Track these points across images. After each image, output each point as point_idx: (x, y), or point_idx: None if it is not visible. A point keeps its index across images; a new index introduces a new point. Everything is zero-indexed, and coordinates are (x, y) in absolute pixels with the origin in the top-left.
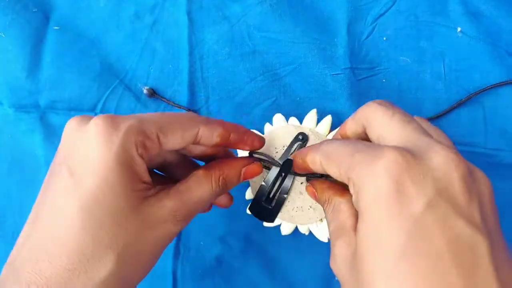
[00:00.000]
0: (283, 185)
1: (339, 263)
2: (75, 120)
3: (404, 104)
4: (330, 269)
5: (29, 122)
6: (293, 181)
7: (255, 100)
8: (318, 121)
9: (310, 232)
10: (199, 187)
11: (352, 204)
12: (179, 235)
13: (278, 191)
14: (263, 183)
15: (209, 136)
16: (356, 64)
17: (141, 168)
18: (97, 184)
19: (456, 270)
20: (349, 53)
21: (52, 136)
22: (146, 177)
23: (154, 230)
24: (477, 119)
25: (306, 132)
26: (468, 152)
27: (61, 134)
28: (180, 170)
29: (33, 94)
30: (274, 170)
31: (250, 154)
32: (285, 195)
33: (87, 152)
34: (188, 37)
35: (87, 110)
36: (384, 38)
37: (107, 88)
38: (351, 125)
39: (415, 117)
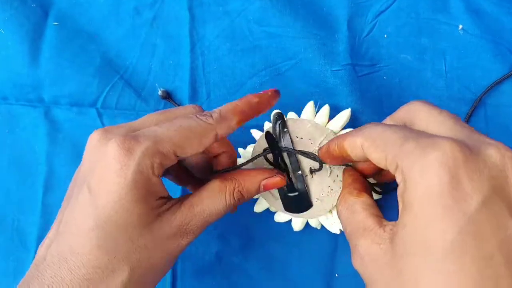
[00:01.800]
0: (290, 163)
1: (367, 262)
2: (97, 135)
3: (405, 102)
4: (331, 265)
5: (33, 116)
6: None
7: None
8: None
9: (309, 227)
10: (212, 200)
11: (372, 203)
12: None
13: (290, 172)
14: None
15: (228, 130)
16: (357, 61)
17: (158, 186)
18: (112, 204)
19: (507, 271)
20: (349, 50)
21: (55, 131)
22: (162, 192)
23: (165, 244)
24: (478, 116)
25: (305, 124)
26: None
27: (63, 129)
28: (201, 164)
29: (36, 89)
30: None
31: (270, 148)
32: (299, 172)
33: (104, 174)
34: (189, 32)
35: (88, 105)
36: (385, 35)
37: (107, 84)
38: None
39: (419, 102)
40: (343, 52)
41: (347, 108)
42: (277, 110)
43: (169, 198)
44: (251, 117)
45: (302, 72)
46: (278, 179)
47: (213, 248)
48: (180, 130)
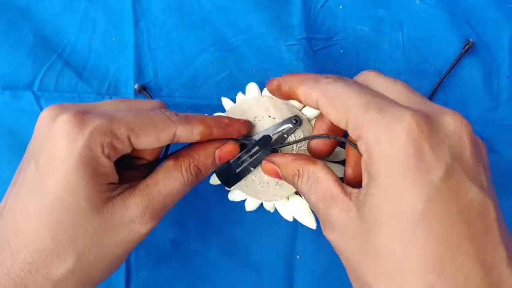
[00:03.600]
0: (256, 158)
1: (339, 231)
2: (48, 112)
3: None
4: (291, 247)
5: None
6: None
7: (207, 73)
8: None
9: (269, 211)
10: (168, 179)
11: (330, 170)
12: None
13: (248, 161)
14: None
15: (188, 135)
16: (312, 34)
17: (107, 169)
18: (59, 183)
19: (468, 235)
20: (304, 22)
21: None
22: (113, 177)
23: (118, 231)
24: (437, 89)
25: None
26: None
27: None
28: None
29: None
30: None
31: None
32: (252, 168)
33: (53, 149)
34: (132, 6)
35: (23, 88)
36: (341, 7)
37: (43, 64)
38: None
39: (370, 72)
40: (298, 25)
41: None
42: (297, 115)
43: (120, 184)
44: (215, 135)
45: (255, 47)
46: (230, 146)
47: (168, 235)
48: (139, 116)
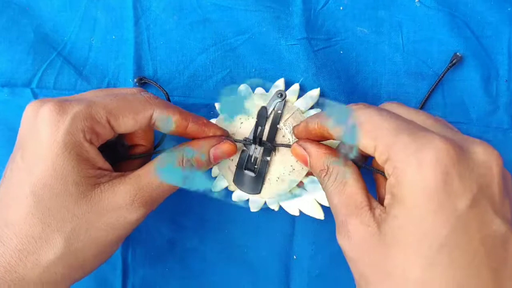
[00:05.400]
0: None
1: (355, 242)
2: (31, 106)
3: (363, 77)
4: (289, 247)
5: None
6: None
7: (207, 72)
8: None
9: (266, 209)
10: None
11: (360, 176)
12: None
13: (258, 157)
14: (244, 148)
15: (164, 121)
16: (313, 35)
17: (92, 153)
18: (45, 170)
19: (488, 265)
20: (305, 23)
21: None
22: (100, 162)
23: (105, 216)
24: (435, 91)
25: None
26: None
27: None
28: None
29: None
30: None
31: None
32: (268, 158)
33: (37, 139)
34: (132, 4)
35: (22, 85)
36: (341, 8)
37: (43, 61)
38: None
39: (390, 103)
40: (298, 25)
41: (304, 83)
42: (281, 90)
43: (111, 171)
44: (191, 129)
45: (255, 47)
46: (226, 146)
47: (165, 233)
48: (117, 99)
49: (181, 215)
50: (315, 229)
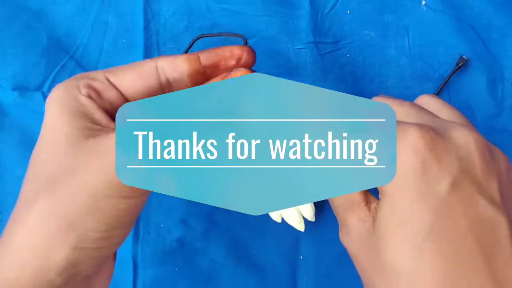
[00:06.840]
0: None
1: (354, 239)
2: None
3: (369, 80)
4: (295, 247)
5: None
6: None
7: None
8: None
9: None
10: None
11: None
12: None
13: None
14: None
15: (172, 66)
16: (320, 38)
17: (88, 107)
18: (45, 134)
19: (478, 251)
20: (312, 27)
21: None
22: (98, 116)
23: (94, 158)
24: (442, 94)
25: None
26: None
27: (9, 114)
28: None
29: None
30: None
31: None
32: None
33: (46, 118)
34: (143, 9)
35: (34, 89)
36: (348, 11)
37: (55, 65)
38: None
39: (424, 95)
40: (306, 29)
41: None
42: None
43: (113, 129)
44: (206, 61)
45: (263, 51)
46: (239, 73)
47: (174, 234)
48: (118, 66)
49: (190, 216)
50: (320, 229)
